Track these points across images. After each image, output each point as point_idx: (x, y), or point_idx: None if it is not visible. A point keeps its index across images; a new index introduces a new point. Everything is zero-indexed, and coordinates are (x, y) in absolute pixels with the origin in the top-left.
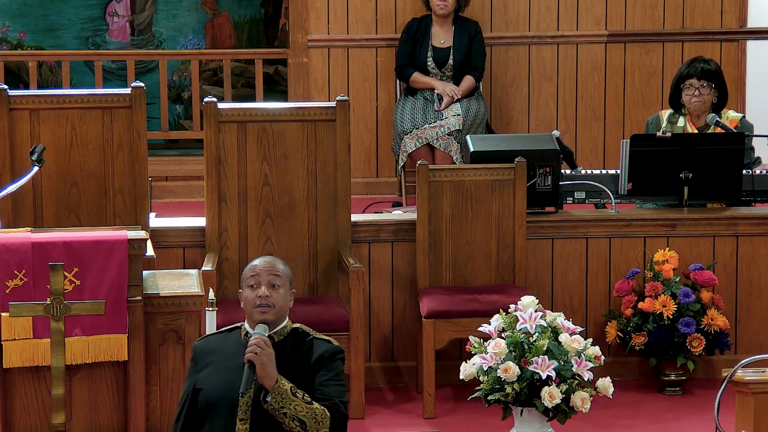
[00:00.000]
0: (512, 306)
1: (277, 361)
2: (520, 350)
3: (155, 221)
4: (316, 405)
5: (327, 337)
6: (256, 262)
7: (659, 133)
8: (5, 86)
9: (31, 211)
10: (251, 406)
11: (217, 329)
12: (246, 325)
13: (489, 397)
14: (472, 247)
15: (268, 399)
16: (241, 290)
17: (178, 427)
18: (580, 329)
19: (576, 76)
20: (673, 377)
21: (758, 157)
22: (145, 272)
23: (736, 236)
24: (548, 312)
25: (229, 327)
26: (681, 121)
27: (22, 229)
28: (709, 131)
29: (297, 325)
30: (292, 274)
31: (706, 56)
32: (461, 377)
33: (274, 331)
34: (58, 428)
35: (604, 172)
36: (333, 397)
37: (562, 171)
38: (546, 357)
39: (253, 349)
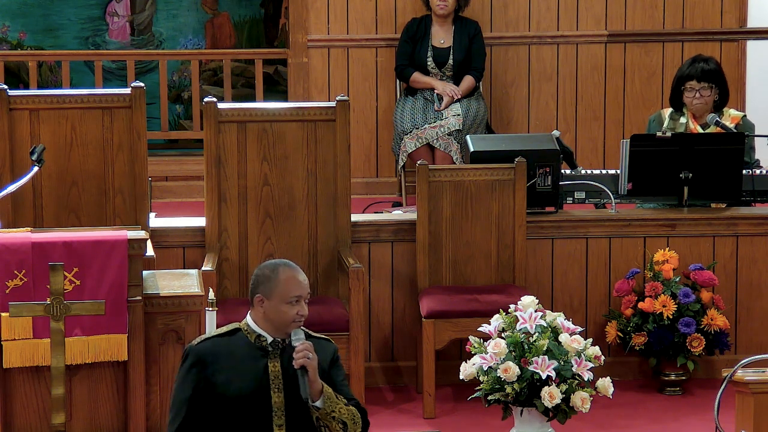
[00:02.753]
0: (512, 306)
1: (291, 360)
2: (520, 350)
3: (155, 221)
4: (350, 405)
5: (324, 336)
6: (296, 275)
7: (659, 133)
8: (5, 86)
9: (31, 211)
10: (285, 411)
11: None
12: (256, 328)
13: (489, 397)
14: (472, 247)
15: (317, 404)
16: (260, 296)
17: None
18: (580, 329)
19: (576, 76)
20: (673, 377)
21: (757, 159)
22: (145, 272)
23: (736, 236)
24: (548, 312)
25: (225, 330)
26: (684, 119)
27: (22, 229)
28: (709, 130)
29: None
30: None
31: (705, 55)
32: (461, 377)
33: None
34: (58, 428)
35: (604, 172)
36: (352, 396)
37: (562, 171)
38: (546, 357)
39: (305, 354)
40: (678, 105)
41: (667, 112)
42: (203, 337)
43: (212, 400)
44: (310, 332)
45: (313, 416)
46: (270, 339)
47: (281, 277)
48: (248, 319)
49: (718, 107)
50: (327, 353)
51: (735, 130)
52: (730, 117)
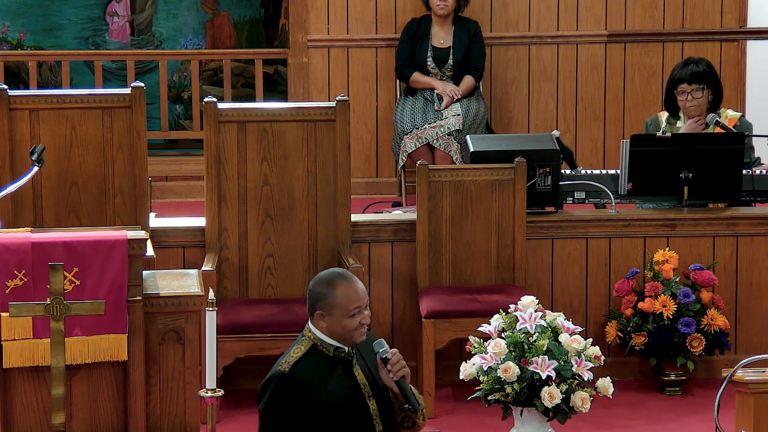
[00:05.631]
0: (512, 306)
1: (364, 362)
2: (520, 350)
3: (155, 221)
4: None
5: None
6: (352, 285)
7: (659, 133)
8: (5, 86)
9: (31, 211)
10: (380, 416)
11: (297, 358)
12: (330, 341)
13: (489, 397)
14: (472, 247)
15: (422, 404)
16: (320, 312)
17: None
18: (580, 329)
19: (576, 76)
20: (673, 377)
21: (758, 157)
22: (145, 272)
23: (736, 236)
24: (548, 312)
25: (304, 350)
26: (680, 122)
27: (22, 229)
28: (708, 131)
29: None
30: (293, 274)
31: (701, 56)
32: (461, 377)
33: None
34: (58, 428)
35: (604, 172)
36: None
37: (562, 171)
38: (546, 357)
39: (401, 365)
40: (673, 109)
41: (664, 115)
42: (288, 361)
43: (318, 421)
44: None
45: (399, 416)
46: (347, 349)
47: (338, 292)
48: (315, 332)
49: (714, 107)
50: (371, 345)
51: (734, 130)
52: (727, 118)
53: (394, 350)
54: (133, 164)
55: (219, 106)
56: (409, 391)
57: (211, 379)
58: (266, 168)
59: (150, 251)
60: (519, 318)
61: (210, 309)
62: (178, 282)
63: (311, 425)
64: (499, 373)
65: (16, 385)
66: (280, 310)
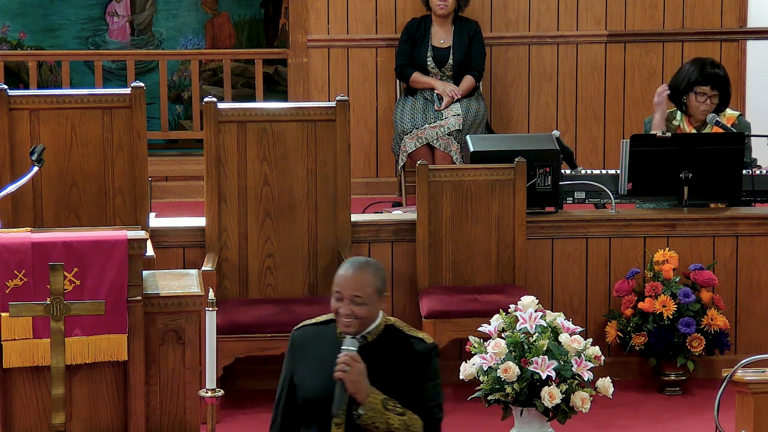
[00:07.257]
0: (512, 306)
1: (372, 360)
2: (520, 350)
3: (155, 221)
4: (408, 415)
5: (421, 334)
6: (347, 272)
7: (659, 133)
8: (5, 86)
9: (31, 211)
10: (346, 411)
11: (314, 322)
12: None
13: (489, 397)
14: (472, 247)
15: (360, 413)
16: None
17: (278, 414)
18: (580, 329)
19: (576, 76)
20: (673, 377)
21: (755, 158)
22: (145, 272)
23: (736, 236)
24: (548, 312)
25: (326, 318)
26: (678, 119)
27: (22, 229)
28: (706, 130)
29: (391, 321)
30: (292, 274)
31: (708, 57)
32: (461, 377)
33: (367, 330)
34: (58, 428)
35: (604, 172)
36: (429, 401)
37: (562, 171)
38: (546, 357)
39: (341, 368)
40: (680, 104)
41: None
42: (304, 322)
43: (291, 386)
44: (404, 329)
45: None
46: (347, 337)
47: (338, 271)
48: None
49: (718, 109)
50: (410, 352)
51: (734, 130)
52: (726, 117)
53: (352, 354)
54: (133, 164)
55: (219, 106)
56: (339, 393)
57: (211, 379)
58: (266, 168)
59: (150, 251)
60: (519, 318)
61: (210, 309)
62: (178, 282)
63: (290, 385)
64: (499, 373)
65: (16, 385)
66: (280, 310)
